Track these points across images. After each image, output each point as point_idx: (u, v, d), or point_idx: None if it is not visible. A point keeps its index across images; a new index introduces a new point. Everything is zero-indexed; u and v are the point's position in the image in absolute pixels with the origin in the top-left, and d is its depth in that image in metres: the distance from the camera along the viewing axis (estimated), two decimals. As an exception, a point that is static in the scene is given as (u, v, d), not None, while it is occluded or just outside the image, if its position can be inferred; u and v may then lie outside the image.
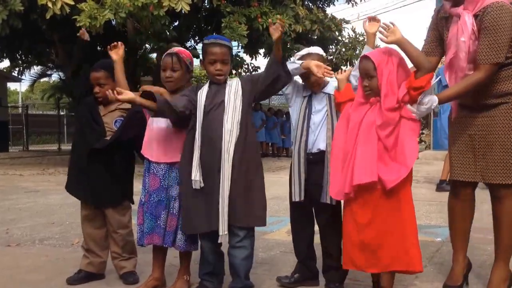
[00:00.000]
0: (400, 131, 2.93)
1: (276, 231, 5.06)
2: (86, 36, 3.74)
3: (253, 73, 3.39)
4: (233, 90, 3.17)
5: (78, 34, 3.65)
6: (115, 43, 3.51)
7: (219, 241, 3.09)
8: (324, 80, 3.34)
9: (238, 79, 3.28)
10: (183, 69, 3.31)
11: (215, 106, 3.15)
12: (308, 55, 3.37)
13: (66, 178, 3.72)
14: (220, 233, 3.05)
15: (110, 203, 3.55)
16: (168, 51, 3.36)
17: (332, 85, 3.39)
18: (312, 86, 3.37)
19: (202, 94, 3.20)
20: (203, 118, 3.14)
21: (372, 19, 3.34)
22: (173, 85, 3.31)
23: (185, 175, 3.16)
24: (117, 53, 3.50)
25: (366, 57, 3.00)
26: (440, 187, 7.49)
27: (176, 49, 3.25)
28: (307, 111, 3.37)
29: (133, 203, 3.66)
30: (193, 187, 3.11)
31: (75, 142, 3.82)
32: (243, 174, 3.10)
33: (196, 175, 3.10)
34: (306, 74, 3.32)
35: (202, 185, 3.10)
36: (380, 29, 3.02)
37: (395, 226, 2.93)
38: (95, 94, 3.58)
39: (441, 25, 3.20)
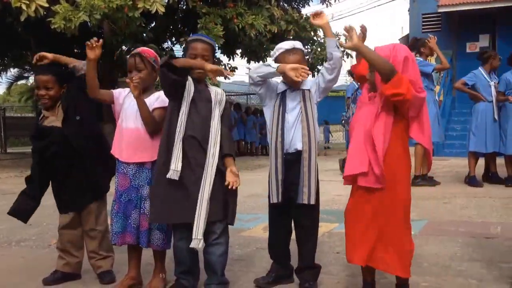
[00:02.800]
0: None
1: (252, 228, 5.11)
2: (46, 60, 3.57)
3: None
4: (219, 98, 3.22)
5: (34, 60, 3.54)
6: (94, 42, 3.26)
7: (191, 246, 3.02)
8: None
9: (222, 91, 3.32)
10: (148, 68, 3.35)
11: (203, 103, 3.17)
12: (292, 50, 3.30)
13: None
14: (194, 237, 3.01)
15: (86, 204, 3.58)
16: (132, 52, 3.41)
17: (310, 80, 3.30)
18: (292, 83, 3.27)
19: (191, 86, 3.19)
20: (189, 108, 3.15)
21: (315, 14, 3.25)
22: (140, 85, 3.34)
23: (160, 164, 3.14)
24: (94, 53, 3.27)
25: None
26: (414, 182, 7.50)
27: (140, 49, 3.27)
28: (281, 109, 3.29)
29: (107, 190, 3.69)
30: (169, 176, 3.06)
31: None
32: (223, 178, 3.12)
33: (177, 165, 3.06)
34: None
35: (177, 178, 3.07)
36: (342, 36, 2.94)
37: (392, 225, 2.83)
38: (40, 97, 3.55)
39: None
